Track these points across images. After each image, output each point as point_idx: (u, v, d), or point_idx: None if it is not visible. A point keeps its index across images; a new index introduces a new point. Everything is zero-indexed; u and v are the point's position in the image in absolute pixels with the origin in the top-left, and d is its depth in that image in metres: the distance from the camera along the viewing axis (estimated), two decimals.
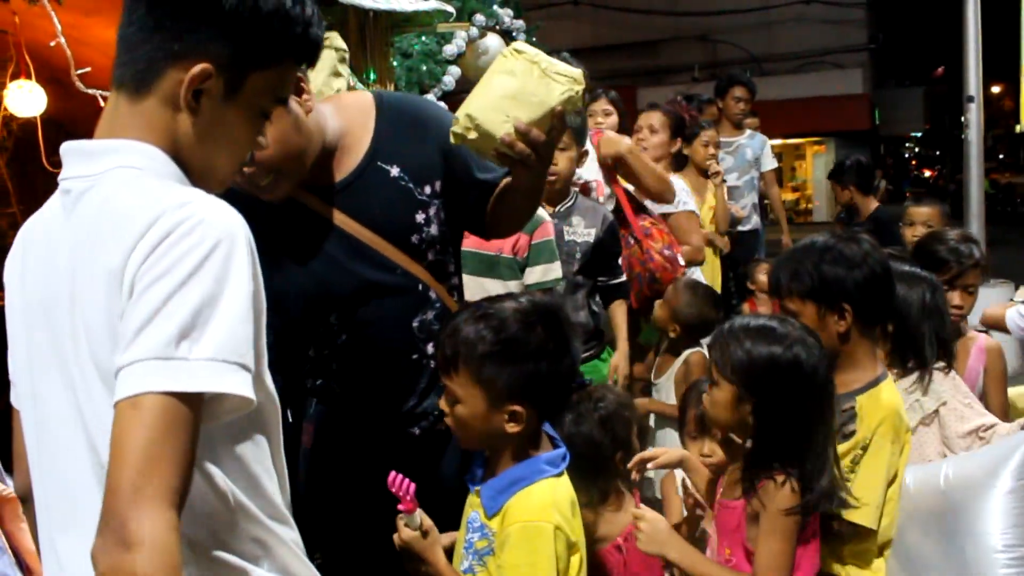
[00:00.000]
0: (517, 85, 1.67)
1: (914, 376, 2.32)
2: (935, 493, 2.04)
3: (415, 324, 1.87)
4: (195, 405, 1.01)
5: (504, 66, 1.70)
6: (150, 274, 1.02)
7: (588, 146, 3.61)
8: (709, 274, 4.49)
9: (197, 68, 1.13)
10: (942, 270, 2.66)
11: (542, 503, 1.57)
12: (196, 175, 1.18)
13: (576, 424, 2.16)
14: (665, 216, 3.89)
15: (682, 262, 3.57)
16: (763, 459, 1.77)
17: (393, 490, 1.60)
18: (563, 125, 1.73)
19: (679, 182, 4.09)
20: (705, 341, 3.32)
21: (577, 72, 1.71)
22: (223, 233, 1.05)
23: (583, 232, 3.11)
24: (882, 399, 1.97)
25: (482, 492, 1.62)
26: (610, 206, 3.49)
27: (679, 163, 4.56)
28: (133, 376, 0.99)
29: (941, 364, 2.36)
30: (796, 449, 1.76)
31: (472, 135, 1.68)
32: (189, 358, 1.00)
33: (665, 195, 3.60)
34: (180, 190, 1.10)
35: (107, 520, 0.97)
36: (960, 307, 2.70)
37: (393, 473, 1.61)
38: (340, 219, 1.82)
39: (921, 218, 3.85)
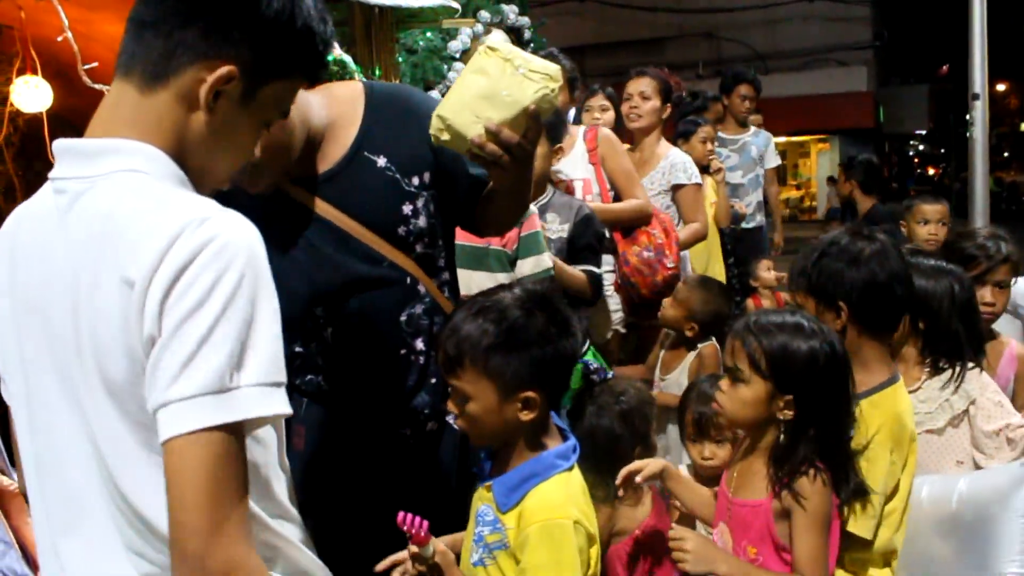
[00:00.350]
0: (489, 84, 1.64)
1: (946, 375, 2.28)
2: (948, 510, 2.01)
3: (403, 318, 1.84)
4: (243, 428, 1.04)
5: (477, 64, 1.66)
6: (184, 303, 1.01)
7: (579, 142, 3.58)
8: (713, 272, 4.49)
9: (224, 69, 1.12)
10: (971, 266, 2.61)
11: (559, 499, 1.57)
12: (194, 176, 1.18)
13: (597, 417, 2.16)
14: (678, 187, 3.90)
15: (670, 265, 3.53)
16: (796, 455, 1.76)
17: (405, 528, 1.60)
18: (539, 125, 1.69)
19: (684, 156, 4.07)
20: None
21: (553, 68, 1.67)
22: (249, 253, 1.05)
23: (557, 229, 3.09)
24: (884, 405, 1.93)
25: (494, 487, 1.62)
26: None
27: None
28: (189, 412, 1.00)
29: (970, 364, 2.30)
30: (828, 443, 1.77)
31: (445, 136, 1.65)
32: (240, 386, 1.02)
33: (644, 217, 3.55)
34: (193, 201, 1.09)
35: (186, 562, 1.00)
36: (992, 304, 2.63)
37: (402, 513, 1.61)
38: (326, 210, 1.80)
39: (936, 216, 3.80)
